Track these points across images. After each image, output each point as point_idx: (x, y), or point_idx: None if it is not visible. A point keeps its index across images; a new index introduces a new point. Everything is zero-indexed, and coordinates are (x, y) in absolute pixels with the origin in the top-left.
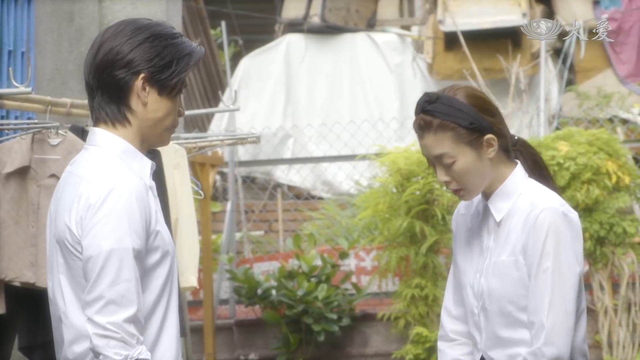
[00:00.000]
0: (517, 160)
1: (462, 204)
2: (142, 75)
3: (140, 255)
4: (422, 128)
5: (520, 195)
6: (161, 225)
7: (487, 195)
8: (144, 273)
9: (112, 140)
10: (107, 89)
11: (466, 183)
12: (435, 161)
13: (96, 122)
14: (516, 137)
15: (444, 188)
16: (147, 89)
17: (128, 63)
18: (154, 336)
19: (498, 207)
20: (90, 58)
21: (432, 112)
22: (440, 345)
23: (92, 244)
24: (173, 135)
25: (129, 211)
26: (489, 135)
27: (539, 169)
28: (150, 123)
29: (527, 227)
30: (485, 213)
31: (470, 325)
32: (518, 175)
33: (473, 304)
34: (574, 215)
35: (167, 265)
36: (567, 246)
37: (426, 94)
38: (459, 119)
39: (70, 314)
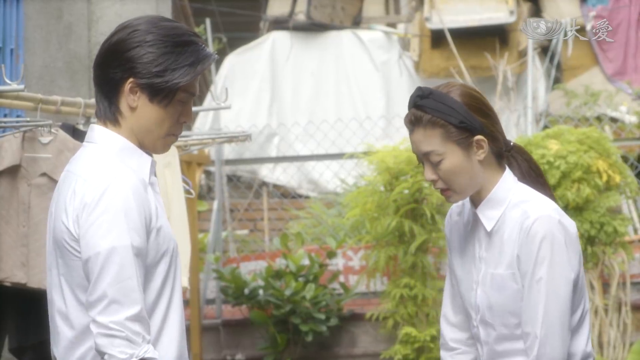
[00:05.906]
0: (506, 166)
1: (454, 209)
2: (131, 79)
3: (141, 253)
4: (412, 123)
5: (511, 203)
6: (163, 221)
7: (475, 203)
8: (146, 271)
9: (110, 137)
10: (101, 85)
11: (453, 183)
12: (423, 158)
13: (96, 117)
14: (512, 143)
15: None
16: (138, 93)
17: (123, 63)
18: (155, 335)
19: (488, 216)
20: (100, 47)
21: (422, 108)
22: (443, 354)
23: (90, 243)
24: None
25: (126, 209)
26: (479, 136)
27: (534, 176)
28: (142, 128)
29: (521, 237)
30: (475, 222)
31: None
32: (507, 182)
33: (471, 316)
34: (570, 222)
35: (166, 262)
36: (561, 254)
37: (419, 89)
38: (449, 117)
39: (71, 315)
